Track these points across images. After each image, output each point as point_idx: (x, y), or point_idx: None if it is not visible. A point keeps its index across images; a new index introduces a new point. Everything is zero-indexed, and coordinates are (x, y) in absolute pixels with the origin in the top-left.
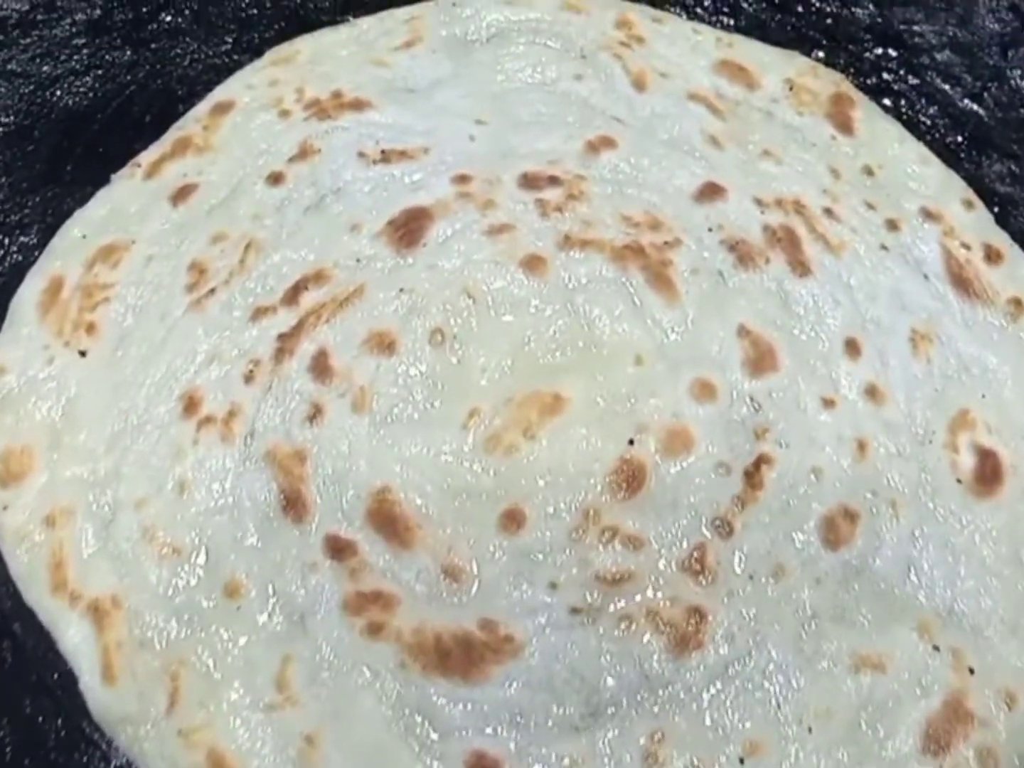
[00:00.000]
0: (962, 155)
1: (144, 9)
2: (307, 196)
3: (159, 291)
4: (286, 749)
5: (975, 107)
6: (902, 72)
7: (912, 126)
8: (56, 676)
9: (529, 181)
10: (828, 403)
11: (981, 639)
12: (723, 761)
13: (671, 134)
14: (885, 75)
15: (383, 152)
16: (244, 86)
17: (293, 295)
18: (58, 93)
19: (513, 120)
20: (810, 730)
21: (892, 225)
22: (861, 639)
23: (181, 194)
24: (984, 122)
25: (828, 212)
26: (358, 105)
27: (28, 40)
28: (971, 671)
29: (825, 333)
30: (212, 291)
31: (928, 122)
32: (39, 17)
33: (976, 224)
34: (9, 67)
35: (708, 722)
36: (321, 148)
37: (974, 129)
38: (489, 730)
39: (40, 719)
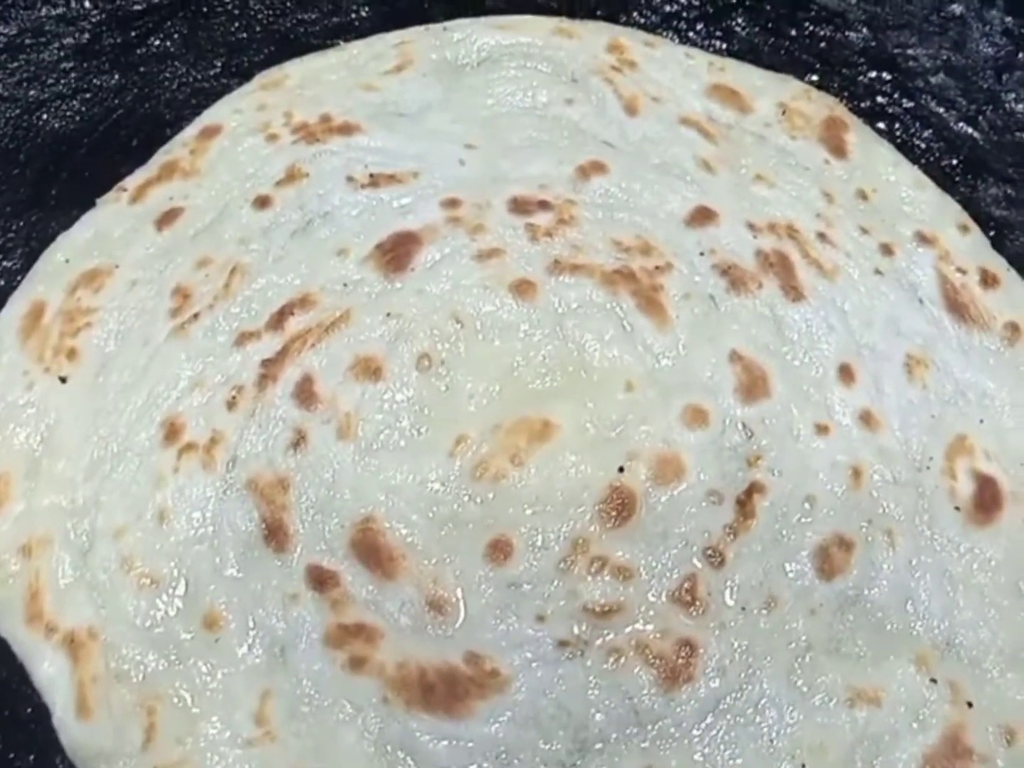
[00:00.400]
0: (957, 179)
1: (133, 34)
2: (294, 220)
3: (142, 316)
4: None
5: (970, 130)
6: (896, 95)
7: (907, 149)
8: (30, 710)
9: (519, 205)
10: (822, 429)
11: (979, 672)
12: None
13: (663, 158)
14: (879, 98)
15: (372, 176)
16: (232, 110)
17: (278, 320)
18: (44, 117)
19: (503, 144)
20: (803, 766)
21: (886, 250)
22: (857, 672)
23: (166, 218)
24: (979, 145)
25: (822, 237)
26: (347, 129)
27: (15, 64)
28: (969, 705)
29: (819, 359)
30: (196, 316)
31: (923, 145)
32: (27, 41)
33: (972, 248)
34: None
35: (699, 758)
36: (309, 172)
37: (969, 152)
38: (474, 767)
39: (12, 755)
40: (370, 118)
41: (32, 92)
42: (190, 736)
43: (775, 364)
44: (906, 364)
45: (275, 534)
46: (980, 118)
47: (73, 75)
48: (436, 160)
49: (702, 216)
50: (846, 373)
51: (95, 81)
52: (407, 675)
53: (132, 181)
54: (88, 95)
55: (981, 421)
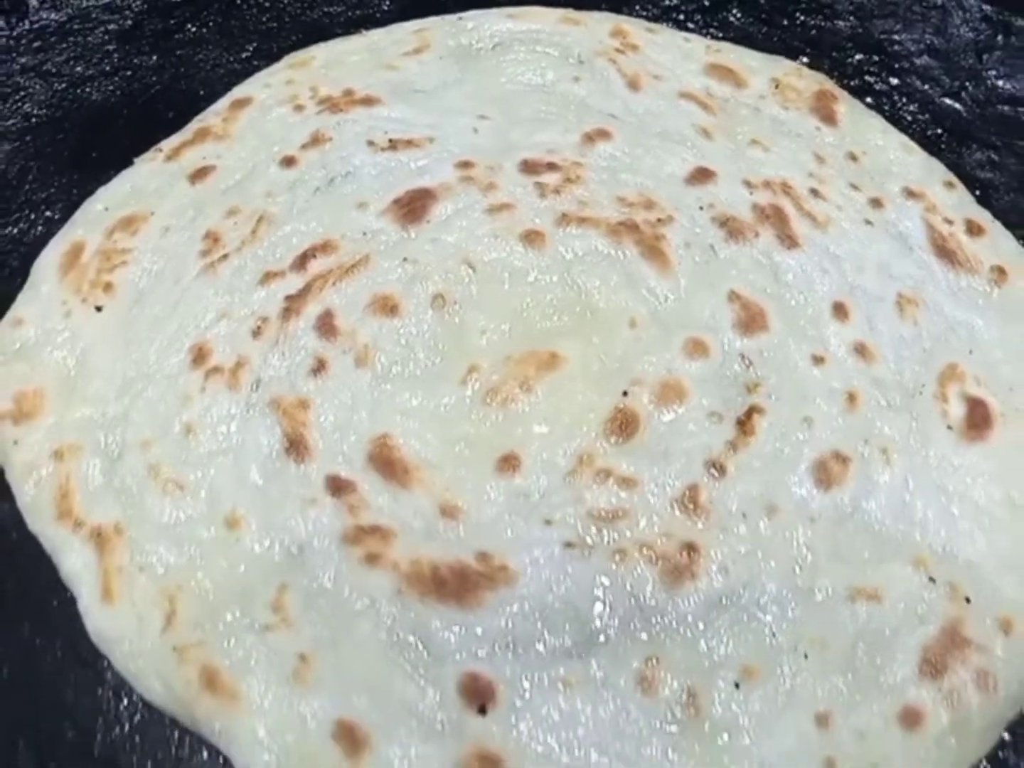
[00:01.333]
0: (943, 146)
1: (172, 21)
2: (318, 177)
3: (174, 258)
4: (280, 667)
5: (954, 104)
6: (883, 75)
7: (894, 121)
8: (56, 603)
9: (529, 167)
10: (818, 360)
11: (976, 573)
12: (719, 685)
13: (664, 127)
14: (867, 77)
15: (391, 141)
16: (262, 85)
17: (301, 262)
18: (88, 90)
19: (514, 117)
20: (806, 656)
21: (876, 203)
22: (856, 573)
23: (199, 174)
24: (963, 117)
25: (814, 192)
26: (368, 102)
27: (64, 45)
28: (967, 600)
29: (813, 299)
30: (225, 257)
31: (909, 118)
32: (75, 26)
33: (957, 202)
34: (45, 67)
35: (703, 648)
36: (332, 137)
37: (953, 124)
38: (483, 654)
39: (38, 641)
40: (390, 93)
41: (78, 69)
42: (208, 621)
43: (772, 303)
44: (898, 303)
45: (296, 446)
46: (963, 93)
47: (116, 56)
48: (451, 129)
49: (701, 175)
50: (840, 311)
51: (135, 61)
52: (420, 570)
53: (168, 143)
54: (129, 73)
55: (971, 352)
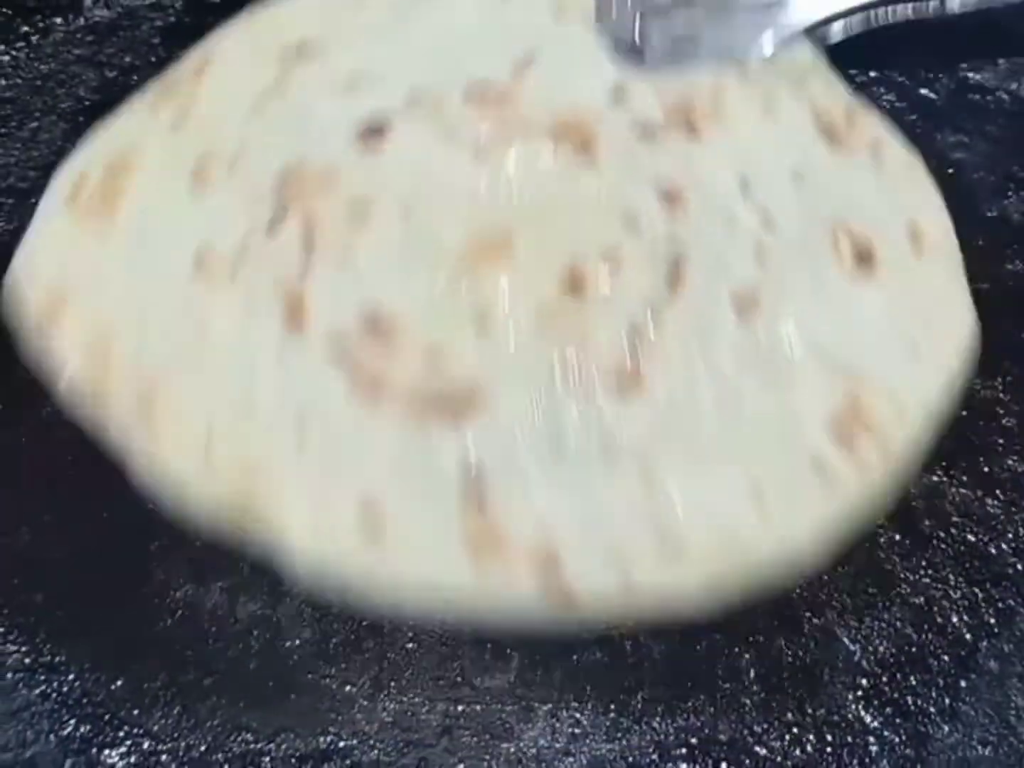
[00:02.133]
0: (919, 131)
1: (209, 19)
2: (283, 117)
3: (167, 188)
4: None
5: (929, 94)
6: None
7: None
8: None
9: (470, 94)
10: (730, 227)
11: (874, 367)
12: None
13: (589, 52)
14: (850, 70)
15: (345, 81)
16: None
17: (279, 184)
18: (135, 78)
19: (453, 53)
20: None
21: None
22: (770, 378)
23: (179, 122)
24: (937, 105)
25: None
26: (323, 50)
27: (114, 39)
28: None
29: (722, 179)
30: (211, 184)
31: (888, 105)
32: (124, 23)
33: (839, 94)
34: (97, 58)
35: None
36: (293, 82)
37: (928, 112)
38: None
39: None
40: (342, 41)
41: (127, 59)
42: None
43: (689, 185)
44: (792, 178)
45: (295, 318)
46: (937, 84)
47: (160, 48)
48: (398, 67)
49: (623, 90)
50: (744, 186)
51: (178, 53)
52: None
53: (146, 99)
54: (172, 63)
55: (857, 210)
